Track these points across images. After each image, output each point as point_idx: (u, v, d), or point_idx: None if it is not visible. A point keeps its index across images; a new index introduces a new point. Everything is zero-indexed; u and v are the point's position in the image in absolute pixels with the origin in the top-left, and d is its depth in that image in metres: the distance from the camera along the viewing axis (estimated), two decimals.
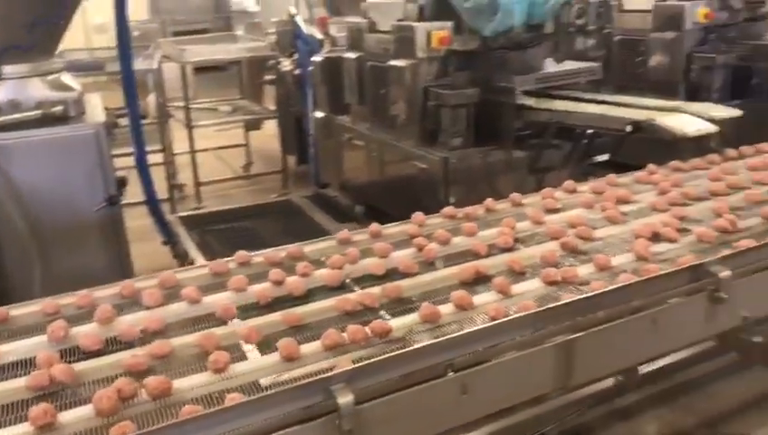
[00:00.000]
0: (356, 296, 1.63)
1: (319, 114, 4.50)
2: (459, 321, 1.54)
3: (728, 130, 4.01)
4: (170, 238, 3.77)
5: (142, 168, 3.43)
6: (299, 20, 4.79)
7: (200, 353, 1.44)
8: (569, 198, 2.27)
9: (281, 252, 1.89)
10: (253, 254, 1.88)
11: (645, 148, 3.04)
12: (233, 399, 1.23)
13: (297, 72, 4.95)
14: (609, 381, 2.73)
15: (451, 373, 1.32)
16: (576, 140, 3.21)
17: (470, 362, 1.33)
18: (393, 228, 2.06)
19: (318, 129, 4.59)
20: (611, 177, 2.40)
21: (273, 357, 1.42)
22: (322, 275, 1.76)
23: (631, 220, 2.04)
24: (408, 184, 3.52)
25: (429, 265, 1.82)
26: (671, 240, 1.85)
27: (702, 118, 2.60)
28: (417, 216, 2.10)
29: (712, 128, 2.48)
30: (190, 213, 4.44)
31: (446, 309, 1.57)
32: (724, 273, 1.46)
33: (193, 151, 5.39)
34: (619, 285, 1.41)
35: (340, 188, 4.39)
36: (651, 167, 2.47)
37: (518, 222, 2.04)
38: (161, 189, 4.36)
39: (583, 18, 3.00)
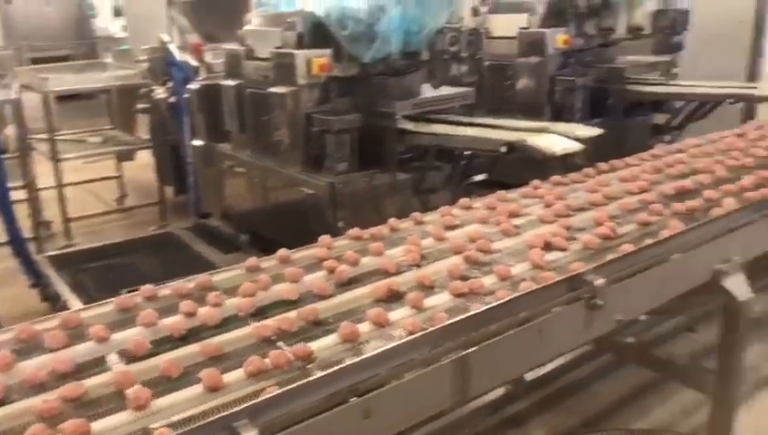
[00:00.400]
0: (273, 322, 1.61)
1: (197, 142, 4.39)
2: (378, 337, 1.56)
3: (591, 146, 4.35)
4: (39, 280, 3.51)
5: (3, 205, 3.18)
6: (172, 47, 4.66)
7: (118, 392, 1.37)
8: (465, 214, 2.37)
9: (189, 283, 1.84)
10: (158, 286, 1.81)
11: (517, 166, 3.23)
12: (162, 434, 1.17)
13: (172, 99, 4.80)
14: (500, 391, 2.85)
15: (353, 399, 1.33)
16: (455, 162, 3.35)
17: (372, 385, 1.34)
18: (301, 253, 2.07)
19: (197, 157, 4.47)
20: (501, 193, 2.52)
21: (197, 389, 1.38)
22: (235, 303, 1.74)
23: (524, 232, 2.15)
24: (294, 210, 3.50)
25: (342, 286, 1.84)
26: (561, 249, 1.98)
27: (568, 137, 2.81)
28: (324, 238, 2.12)
29: (577, 146, 2.69)
30: (60, 252, 4.15)
31: (364, 327, 1.59)
32: (599, 281, 1.58)
33: (60, 186, 5.06)
34: (506, 299, 1.49)
35: (222, 218, 4.29)
36: (535, 182, 2.61)
37: (422, 239, 2.10)
38: (26, 228, 4.06)
39: (456, 45, 3.16)
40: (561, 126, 3.01)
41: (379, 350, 1.37)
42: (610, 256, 1.79)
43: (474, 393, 1.54)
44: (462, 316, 1.43)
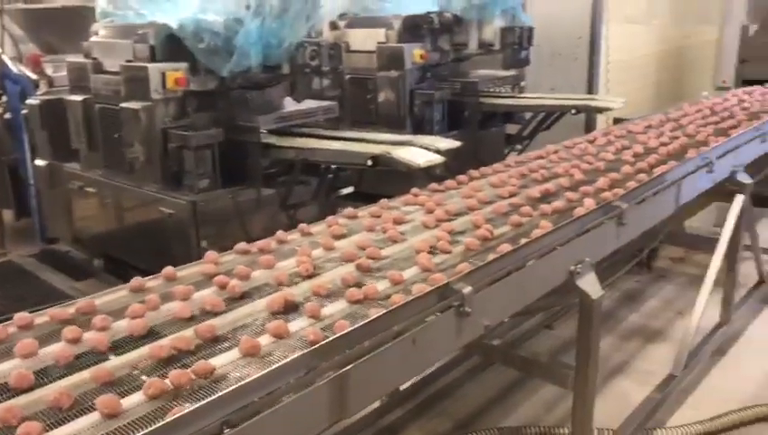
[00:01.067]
0: (169, 342, 1.53)
1: (40, 162, 4.04)
2: (280, 349, 1.54)
3: (451, 156, 4.51)
4: None
5: None
6: (5, 58, 4.27)
7: (5, 429, 1.23)
8: (351, 223, 2.40)
9: (68, 308, 1.71)
10: (34, 313, 1.65)
11: (383, 178, 3.27)
12: None
13: (7, 116, 4.39)
14: (376, 402, 2.86)
15: (227, 430, 1.26)
16: (322, 176, 3.33)
17: (247, 414, 1.29)
18: (187, 270, 1.99)
19: (40, 178, 4.12)
20: (384, 201, 2.58)
21: (94, 416, 1.28)
22: (125, 325, 1.63)
23: (410, 238, 2.22)
24: (152, 231, 3.32)
25: (236, 300, 1.79)
26: (446, 251, 2.07)
27: (430, 150, 2.89)
28: (210, 254, 2.06)
29: (439, 158, 2.77)
30: None
31: (265, 340, 1.56)
32: (467, 289, 1.62)
33: None
34: (380, 314, 1.49)
35: (73, 242, 3.98)
36: (415, 190, 2.69)
37: (312, 250, 2.10)
38: None
39: (317, 60, 3.15)
40: (424, 139, 3.09)
41: (249, 379, 1.31)
42: (480, 262, 1.86)
43: (353, 412, 1.52)
44: (335, 335, 1.41)
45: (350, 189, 3.44)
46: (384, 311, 1.52)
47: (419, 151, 2.81)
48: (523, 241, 1.94)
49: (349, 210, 2.50)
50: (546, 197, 2.57)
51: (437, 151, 2.88)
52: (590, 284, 2.09)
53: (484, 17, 4.53)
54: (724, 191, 3.29)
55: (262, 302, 1.77)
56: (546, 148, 3.36)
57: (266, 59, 3.09)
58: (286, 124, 3.32)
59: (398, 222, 2.35)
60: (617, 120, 4.64)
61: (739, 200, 3.23)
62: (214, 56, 3.03)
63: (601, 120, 4.97)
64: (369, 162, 2.80)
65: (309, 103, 3.49)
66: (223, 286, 1.84)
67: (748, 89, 4.77)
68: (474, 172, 2.96)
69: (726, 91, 4.71)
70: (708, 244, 3.71)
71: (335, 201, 3.81)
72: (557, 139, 4.85)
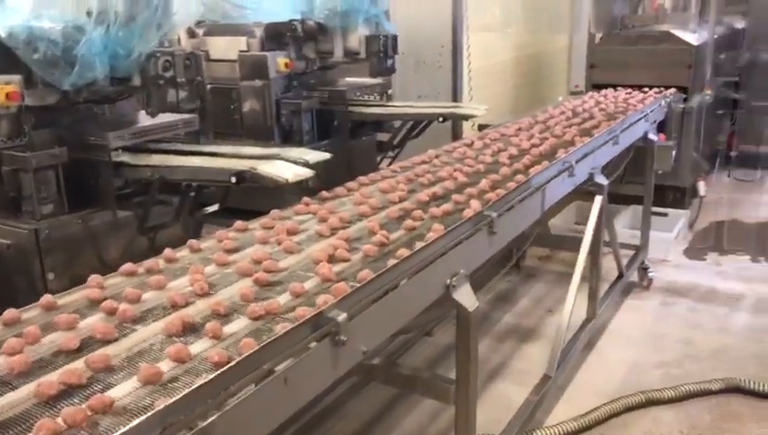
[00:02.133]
0: (58, 376, 1.36)
1: None
2: (184, 374, 1.41)
3: (323, 167, 4.40)
4: None
5: None
6: None
7: None
8: (243, 236, 2.29)
9: None
10: None
11: (253, 193, 3.10)
12: None
13: None
14: None
15: None
16: (183, 194, 3.10)
17: None
18: (68, 297, 1.80)
19: None
20: (276, 212, 2.49)
21: None
22: (2, 363, 1.44)
23: (306, 248, 2.14)
24: None
25: (128, 326, 1.63)
26: (345, 260, 2.01)
27: (298, 163, 2.76)
28: (95, 278, 1.89)
29: (308, 172, 2.65)
30: None
31: (165, 366, 1.42)
32: (341, 316, 1.52)
33: None
34: (247, 353, 1.35)
35: None
36: (306, 199, 2.64)
37: (205, 267, 1.98)
38: None
39: (171, 70, 2.93)
40: (292, 151, 2.95)
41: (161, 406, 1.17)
42: (392, 261, 1.86)
43: None
44: (198, 383, 1.25)
45: (215, 207, 3.23)
46: (252, 350, 1.38)
47: (287, 165, 2.67)
48: (393, 262, 1.87)
49: (239, 223, 2.38)
50: (435, 200, 2.60)
51: (306, 164, 2.76)
52: (465, 296, 2.07)
53: (347, 25, 4.46)
54: (583, 192, 3.44)
55: (157, 325, 1.63)
56: (428, 153, 3.38)
57: (114, 70, 2.82)
58: (141, 140, 3.05)
59: (292, 232, 2.28)
60: (481, 127, 4.75)
61: (598, 201, 3.38)
62: (52, 68, 2.71)
63: (467, 127, 5.08)
64: (233, 179, 2.62)
65: (166, 117, 3.24)
66: (112, 312, 1.68)
67: (602, 92, 5.06)
68: (363, 178, 2.95)
69: (581, 95, 4.96)
70: (572, 242, 3.88)
71: (201, 220, 3.59)
72: (426, 145, 4.89)
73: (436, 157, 3.31)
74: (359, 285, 1.70)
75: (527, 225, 2.65)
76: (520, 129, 3.85)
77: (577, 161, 3.10)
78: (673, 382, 3.39)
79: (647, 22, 5.94)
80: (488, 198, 2.50)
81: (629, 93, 4.93)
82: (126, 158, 3.01)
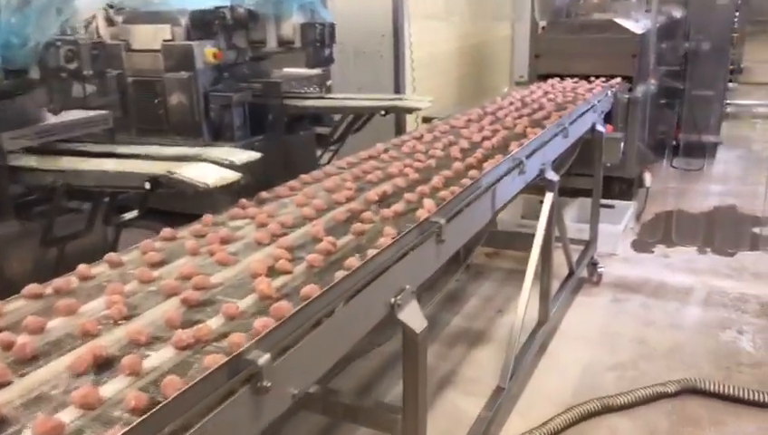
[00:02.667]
0: None
1: None
2: (91, 424, 1.16)
3: (257, 166, 4.10)
4: None
5: None
6: None
7: None
8: (171, 247, 2.00)
9: None
10: None
11: (176, 193, 2.79)
12: None
13: None
14: None
15: None
16: (96, 200, 2.77)
17: None
18: None
19: None
20: (207, 217, 2.19)
21: None
22: None
23: (243, 259, 1.89)
24: None
25: (26, 364, 1.36)
26: (287, 272, 1.77)
27: (223, 164, 2.47)
28: None
29: (234, 175, 2.36)
30: None
31: (68, 415, 1.17)
32: (264, 358, 1.26)
33: None
34: (143, 417, 1.08)
35: None
36: (243, 201, 2.35)
37: (125, 285, 1.70)
38: None
39: (75, 62, 2.58)
40: (216, 151, 2.66)
41: None
42: (339, 274, 1.64)
43: None
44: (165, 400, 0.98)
45: (134, 214, 2.90)
46: (150, 412, 1.10)
47: (210, 168, 2.38)
48: (340, 274, 1.63)
49: (167, 231, 2.08)
50: (385, 199, 2.39)
51: (232, 166, 2.47)
52: (412, 315, 1.83)
53: (281, 12, 4.15)
54: (531, 186, 3.26)
55: (62, 361, 1.36)
56: (376, 147, 3.13)
57: (7, 62, 2.46)
58: (42, 141, 2.70)
59: (226, 241, 2.01)
60: (426, 119, 4.53)
61: (549, 197, 3.20)
62: None
63: (411, 120, 4.85)
64: (148, 185, 2.31)
65: (74, 114, 2.89)
66: (8, 347, 1.39)
67: (549, 81, 4.91)
68: (306, 177, 2.68)
69: (529, 85, 4.80)
70: (522, 241, 3.71)
71: (120, 227, 3.25)
72: (368, 139, 4.64)
73: (385, 151, 3.08)
74: (299, 305, 1.44)
75: (477, 229, 2.43)
76: (470, 120, 3.66)
77: (527, 157, 2.91)
78: (629, 385, 3.26)
79: (591, 10, 5.82)
80: (442, 196, 2.31)
81: (576, 83, 4.80)
82: (26, 161, 2.66)
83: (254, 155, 2.63)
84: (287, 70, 4.66)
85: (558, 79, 5.02)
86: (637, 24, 5.64)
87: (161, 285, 1.70)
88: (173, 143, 4.19)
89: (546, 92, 4.45)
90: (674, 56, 6.98)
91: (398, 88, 4.85)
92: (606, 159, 4.29)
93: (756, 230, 5.34)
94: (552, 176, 3.18)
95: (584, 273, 4.44)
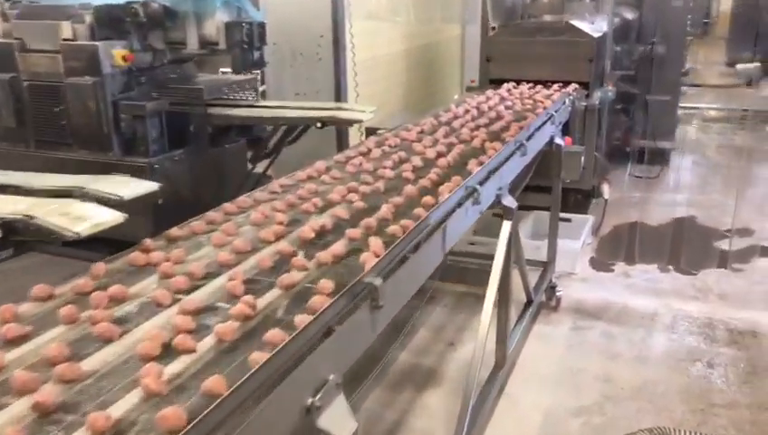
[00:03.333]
0: None
1: None
2: None
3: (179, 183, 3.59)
4: None
5: None
6: None
7: None
8: (38, 310, 1.52)
9: None
10: None
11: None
12: None
13: None
14: None
15: None
16: None
17: None
18: None
19: None
20: (99, 267, 1.68)
21: None
22: None
23: (133, 329, 1.43)
24: None
25: None
26: (189, 351, 1.33)
27: (111, 200, 1.97)
28: None
29: (116, 218, 1.87)
30: None
31: None
32: None
33: None
34: None
35: None
36: (147, 242, 1.85)
37: None
38: None
39: None
40: (103, 183, 2.16)
41: None
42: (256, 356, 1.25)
43: None
44: None
45: (7, 253, 2.37)
46: None
47: (89, 209, 1.89)
48: (257, 355, 1.20)
49: (40, 288, 1.57)
50: (323, 236, 1.97)
51: (120, 203, 1.98)
52: (338, 417, 1.38)
53: (202, 10, 3.65)
54: None
55: None
56: (316, 165, 2.67)
57: None
58: None
59: (116, 300, 1.54)
60: (370, 131, 4.10)
61: (507, 227, 2.80)
62: None
63: (354, 131, 4.42)
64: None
65: None
66: None
67: (505, 86, 4.54)
68: (229, 206, 2.19)
69: (484, 91, 4.41)
70: (475, 274, 3.33)
71: None
72: (306, 150, 4.19)
73: (326, 171, 2.63)
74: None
75: (421, 283, 2.00)
76: (422, 132, 3.24)
77: (483, 182, 2.50)
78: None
79: (544, 12, 5.48)
80: (392, 232, 1.92)
81: (533, 88, 4.45)
82: None
83: (150, 187, 2.15)
84: (212, 75, 4.16)
85: (513, 84, 4.66)
86: (592, 27, 5.33)
87: (11, 378, 1.23)
88: (78, 157, 3.67)
89: (503, 99, 4.08)
90: (628, 60, 6.73)
91: (339, 94, 4.40)
92: (565, 176, 3.94)
93: (718, 245, 5.09)
94: (510, 202, 2.79)
95: (542, 297, 4.08)
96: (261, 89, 4.37)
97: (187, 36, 3.73)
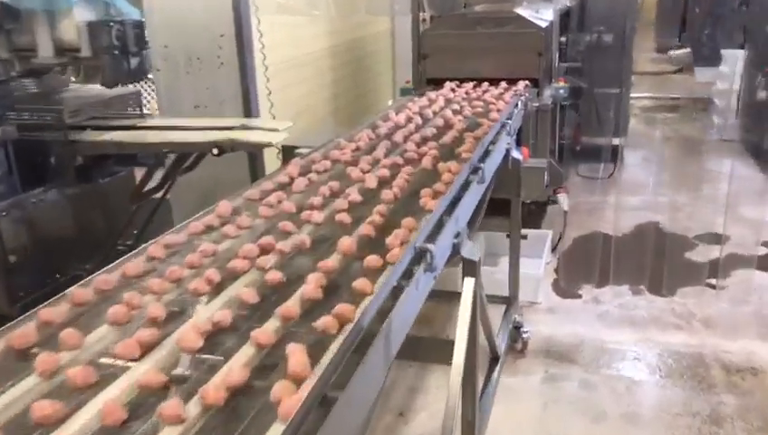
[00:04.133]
0: None
1: None
2: None
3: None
4: None
5: None
6: None
7: None
8: None
9: None
10: None
11: None
12: None
13: None
14: None
15: None
16: None
17: None
18: None
19: None
20: None
21: None
22: None
23: None
24: None
25: None
26: None
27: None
28: None
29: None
30: None
31: None
32: None
33: None
34: None
35: None
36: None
37: None
38: None
39: None
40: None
41: None
42: None
43: None
44: None
45: None
46: None
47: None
48: None
49: None
50: (216, 343, 1.26)
51: None
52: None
53: (54, 7, 2.79)
54: None
55: None
56: (219, 209, 1.89)
57: None
58: None
59: None
60: (288, 150, 3.33)
61: (470, 287, 2.09)
62: None
63: (270, 151, 3.62)
64: None
65: None
66: None
67: (447, 85, 3.87)
68: (79, 293, 1.42)
69: (426, 93, 3.70)
70: (434, 349, 2.62)
71: None
72: (212, 175, 3.42)
73: (233, 215, 1.87)
74: None
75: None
76: (358, 149, 2.53)
77: (435, 236, 1.79)
78: None
79: (486, 1, 4.80)
80: (324, 329, 1.25)
81: (478, 87, 3.80)
82: None
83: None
84: (75, 92, 3.29)
85: (456, 83, 3.99)
86: (537, 16, 4.70)
87: None
88: None
89: (448, 101, 3.41)
90: (573, 51, 6.17)
91: (249, 105, 3.60)
92: (527, 196, 3.28)
93: (689, 256, 4.56)
94: (472, 254, 2.08)
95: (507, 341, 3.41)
96: (144, 105, 3.52)
97: (37, 40, 2.86)
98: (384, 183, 2.12)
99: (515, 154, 3.19)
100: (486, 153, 2.65)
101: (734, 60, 7.79)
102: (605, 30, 6.12)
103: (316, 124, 4.77)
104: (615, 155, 6.57)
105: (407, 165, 2.31)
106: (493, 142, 2.80)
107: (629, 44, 6.33)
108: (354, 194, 2.00)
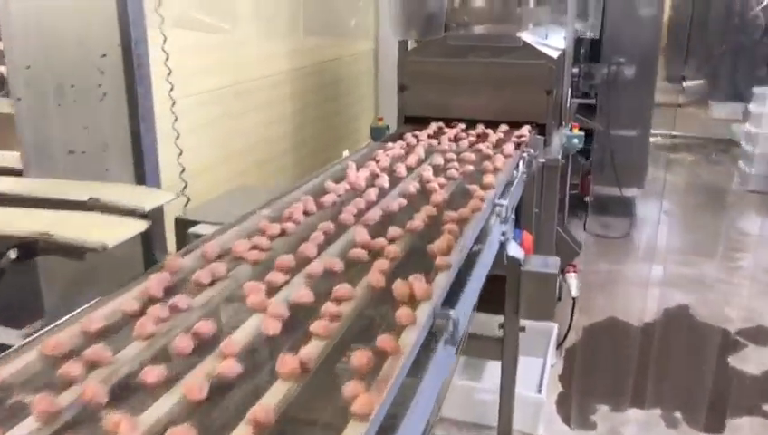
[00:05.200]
0: None
1: None
2: None
3: None
4: None
5: None
6: None
7: None
8: None
9: None
10: None
11: None
12: None
13: None
14: None
15: None
16: None
17: None
18: None
19: None
20: None
21: None
22: None
23: None
24: None
25: None
26: None
27: None
28: None
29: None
30: None
31: None
32: None
33: None
34: None
35: None
36: None
37: None
38: None
39: None
40: None
41: None
42: None
43: None
44: None
45: None
46: None
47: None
48: None
49: None
50: None
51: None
52: None
53: None
54: None
55: None
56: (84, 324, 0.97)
57: None
58: None
59: None
60: (188, 225, 2.28)
61: None
62: None
63: (170, 226, 2.57)
64: None
65: None
66: None
67: (428, 130, 2.89)
68: None
69: (399, 139, 2.69)
70: None
71: None
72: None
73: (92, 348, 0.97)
74: None
75: None
76: (283, 233, 1.56)
77: None
78: None
79: (481, 21, 3.75)
80: None
81: (476, 131, 2.83)
82: None
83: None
84: None
85: (441, 124, 2.99)
86: (546, 43, 3.69)
87: None
88: None
89: (430, 152, 2.42)
90: (586, 85, 5.17)
91: (140, 153, 2.55)
92: (534, 316, 2.24)
93: (734, 363, 3.51)
94: None
95: None
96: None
97: None
98: (296, 325, 1.13)
99: (513, 250, 2.16)
100: (476, 262, 1.64)
101: (765, 99, 6.84)
102: (626, 61, 5.11)
103: (258, 170, 3.72)
104: (629, 208, 5.56)
105: (344, 279, 1.31)
106: (484, 233, 1.81)
107: (652, 78, 5.33)
108: (226, 367, 0.98)
